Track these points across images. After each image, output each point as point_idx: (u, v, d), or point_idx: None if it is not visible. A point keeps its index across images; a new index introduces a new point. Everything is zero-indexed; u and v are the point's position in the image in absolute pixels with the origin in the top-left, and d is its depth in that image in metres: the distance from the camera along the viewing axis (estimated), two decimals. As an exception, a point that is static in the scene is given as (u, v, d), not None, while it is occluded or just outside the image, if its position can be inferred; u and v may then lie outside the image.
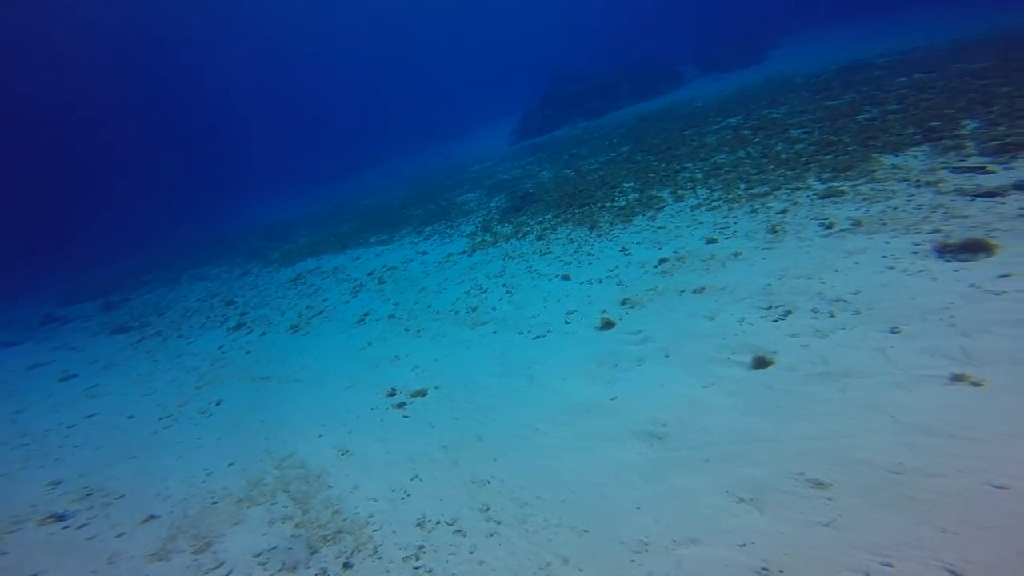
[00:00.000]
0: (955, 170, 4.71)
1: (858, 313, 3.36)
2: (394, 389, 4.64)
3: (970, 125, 5.70)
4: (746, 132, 8.67)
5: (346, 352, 5.81)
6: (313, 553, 2.89)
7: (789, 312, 3.60)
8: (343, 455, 3.89)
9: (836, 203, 4.87)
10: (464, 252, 7.61)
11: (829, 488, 2.28)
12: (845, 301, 3.51)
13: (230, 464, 4.19)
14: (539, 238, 6.94)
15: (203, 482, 4.02)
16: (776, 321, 3.57)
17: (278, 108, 58.28)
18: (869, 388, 2.77)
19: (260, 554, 3.01)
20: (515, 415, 3.68)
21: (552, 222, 7.40)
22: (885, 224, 4.21)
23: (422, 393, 4.44)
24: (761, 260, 4.32)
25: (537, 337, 4.62)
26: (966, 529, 1.94)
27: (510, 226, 8.06)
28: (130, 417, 5.69)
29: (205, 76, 56.97)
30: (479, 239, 7.98)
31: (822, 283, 3.77)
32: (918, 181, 4.75)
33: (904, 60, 11.32)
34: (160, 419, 5.44)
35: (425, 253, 8.37)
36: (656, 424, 3.07)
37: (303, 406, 4.89)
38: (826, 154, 6.19)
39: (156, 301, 11.44)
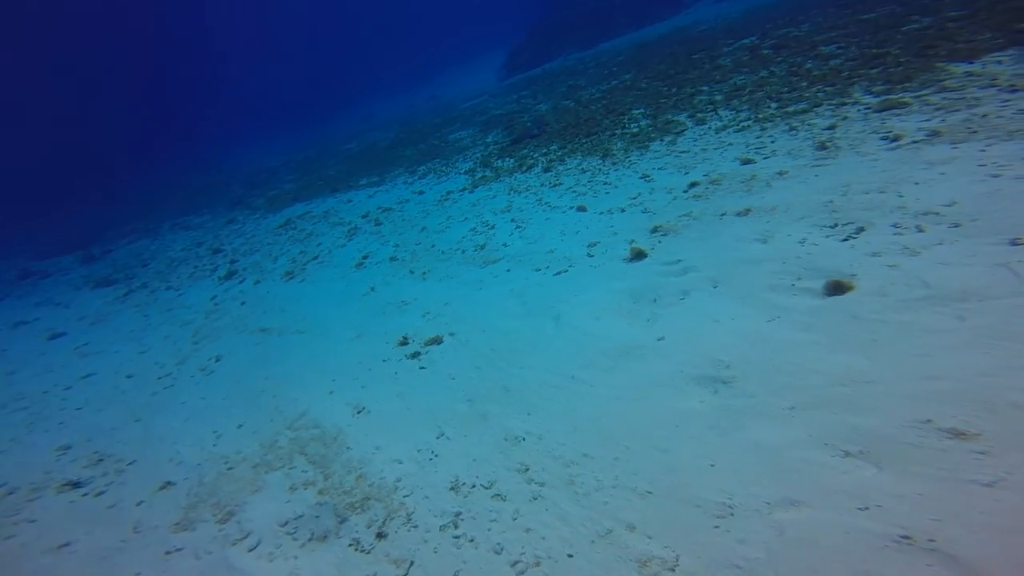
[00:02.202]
0: (1070, 68, 4.13)
1: (958, 225, 2.89)
2: (405, 337, 4.25)
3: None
4: (765, 52, 7.97)
5: (348, 299, 5.39)
6: (342, 522, 2.59)
7: (862, 229, 3.14)
8: (359, 413, 3.54)
9: (900, 115, 4.31)
10: (464, 189, 7.04)
11: (976, 439, 1.82)
12: (937, 214, 3.03)
13: (240, 425, 3.85)
14: (546, 170, 6.38)
15: (214, 446, 3.69)
16: (847, 240, 3.12)
17: (248, 53, 54.23)
18: (999, 313, 2.29)
19: (286, 523, 2.72)
20: (545, 361, 3.31)
21: (558, 153, 6.82)
22: (975, 132, 3.67)
23: (437, 341, 4.06)
24: (814, 177, 3.84)
25: (558, 273, 4.22)
26: None
27: (511, 160, 7.45)
28: (128, 376, 5.29)
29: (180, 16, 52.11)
30: (479, 175, 7.39)
31: (900, 196, 3.30)
32: (1013, 86, 4.15)
33: None
34: (159, 378, 5.05)
35: (422, 192, 7.77)
36: (718, 366, 2.65)
37: (309, 360, 4.50)
38: (872, 68, 5.59)
39: (139, 252, 10.76)
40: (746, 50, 8.66)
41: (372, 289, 5.35)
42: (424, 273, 5.21)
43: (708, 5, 18.09)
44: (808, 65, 6.50)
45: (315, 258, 6.77)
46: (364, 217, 7.61)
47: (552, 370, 3.21)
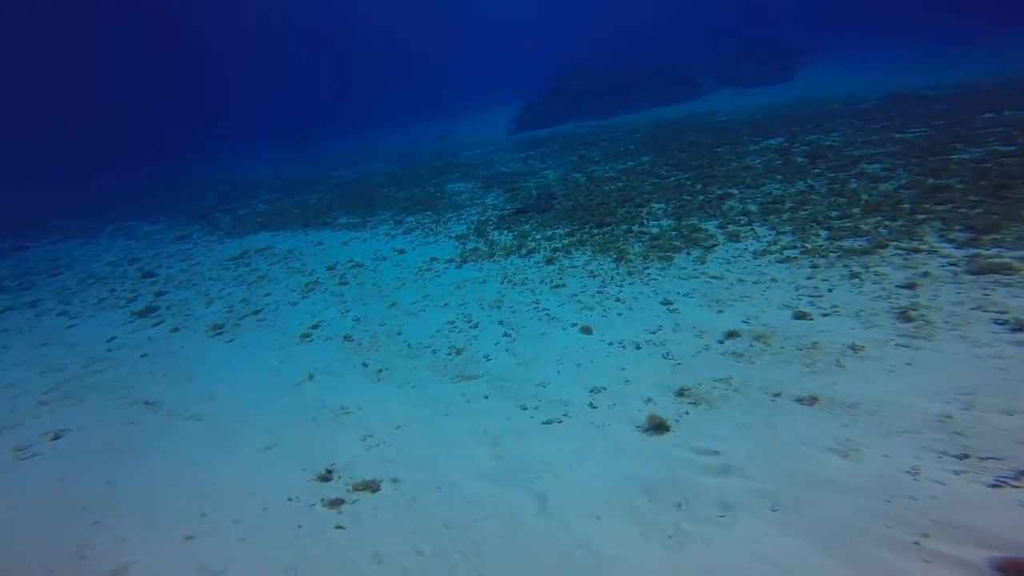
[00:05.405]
0: None
1: None
2: (330, 470, 3.14)
3: None
4: (799, 160, 7.42)
5: (276, 383, 4.24)
6: None
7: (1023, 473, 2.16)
8: (212, 587, 2.40)
9: (1009, 287, 3.41)
10: (451, 261, 6.06)
11: None
12: None
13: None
14: (548, 261, 5.45)
15: None
16: (998, 487, 2.10)
17: (264, 58, 54.35)
18: None
19: None
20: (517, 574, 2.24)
21: (565, 241, 5.93)
22: None
23: (372, 487, 2.95)
24: (906, 366, 2.90)
25: (549, 422, 3.17)
26: None
27: (510, 235, 6.54)
28: None
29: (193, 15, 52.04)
30: (471, 246, 6.44)
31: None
32: None
33: (962, 95, 10.38)
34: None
35: (403, 252, 6.77)
36: None
37: (185, 468, 3.33)
38: (937, 203, 4.90)
39: (57, 256, 9.37)
40: (776, 152, 8.15)
41: (310, 377, 4.23)
42: (380, 371, 4.12)
43: (727, 96, 18.32)
44: (853, 185, 5.86)
45: (256, 312, 5.61)
46: (330, 270, 6.53)
47: (525, 596, 2.13)
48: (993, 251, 3.88)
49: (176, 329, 5.53)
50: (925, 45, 20.35)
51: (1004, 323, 3.07)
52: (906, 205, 4.98)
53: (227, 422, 3.83)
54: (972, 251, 3.91)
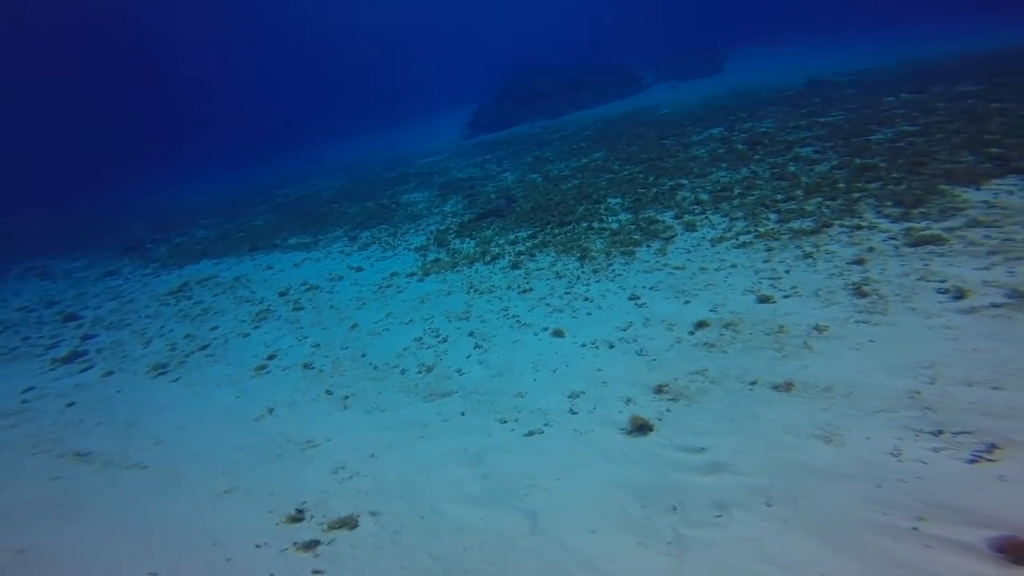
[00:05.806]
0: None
1: None
2: (301, 509, 2.91)
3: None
4: (740, 147, 7.67)
5: (232, 421, 3.93)
6: None
7: (996, 447, 2.16)
8: None
9: (943, 257, 3.60)
10: (413, 274, 5.85)
11: None
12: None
13: None
14: (514, 266, 5.35)
15: None
16: (975, 462, 2.13)
17: (199, 77, 51.64)
18: None
19: None
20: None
21: (528, 243, 5.84)
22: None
23: (350, 524, 2.75)
24: (869, 343, 2.97)
25: (530, 434, 3.06)
26: None
27: (472, 242, 6.40)
28: None
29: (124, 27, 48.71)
30: (432, 257, 6.25)
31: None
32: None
33: (864, 81, 11.22)
34: None
35: (360, 269, 6.49)
36: None
37: (128, 522, 3.02)
38: (868, 181, 5.15)
39: None
40: (718, 141, 8.41)
41: (270, 411, 3.94)
42: (346, 397, 3.89)
43: (665, 90, 18.91)
44: (792, 168, 6.10)
45: (203, 348, 5.21)
46: (282, 296, 6.17)
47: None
48: (923, 224, 4.11)
49: (110, 373, 5.05)
50: (833, 34, 21.77)
51: (946, 292, 3.24)
52: (841, 185, 5.22)
53: (178, 467, 3.51)
54: (906, 225, 4.13)
